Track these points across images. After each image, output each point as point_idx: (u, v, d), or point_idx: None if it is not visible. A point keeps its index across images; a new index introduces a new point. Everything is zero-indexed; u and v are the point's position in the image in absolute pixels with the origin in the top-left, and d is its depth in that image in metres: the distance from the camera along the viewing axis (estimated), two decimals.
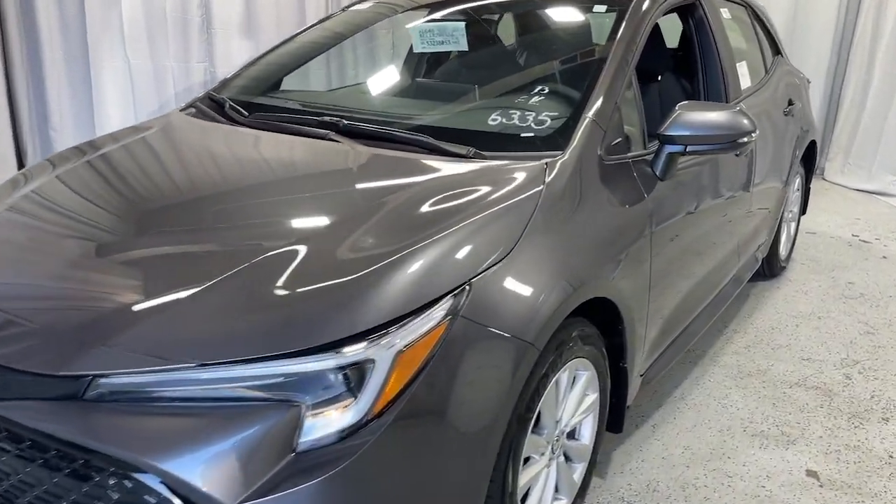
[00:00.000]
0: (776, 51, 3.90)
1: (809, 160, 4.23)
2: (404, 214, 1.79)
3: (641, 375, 2.45)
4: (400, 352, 1.50)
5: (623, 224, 2.12)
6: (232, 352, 1.46)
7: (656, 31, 3.19)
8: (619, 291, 2.08)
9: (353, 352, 1.47)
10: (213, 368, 1.45)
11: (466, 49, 2.73)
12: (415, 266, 1.61)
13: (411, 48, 3.25)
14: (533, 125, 2.19)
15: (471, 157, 2.05)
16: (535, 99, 2.31)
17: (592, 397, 2.14)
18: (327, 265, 1.62)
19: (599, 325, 2.11)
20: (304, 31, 3.20)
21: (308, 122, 2.32)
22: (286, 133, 2.31)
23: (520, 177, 1.96)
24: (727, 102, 3.00)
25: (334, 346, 1.46)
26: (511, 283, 1.72)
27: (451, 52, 3.08)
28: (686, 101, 2.30)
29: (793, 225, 4.27)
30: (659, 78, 3.30)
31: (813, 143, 4.11)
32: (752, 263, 3.59)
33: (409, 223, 1.76)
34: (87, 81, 5.30)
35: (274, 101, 2.69)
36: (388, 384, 1.48)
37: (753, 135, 2.29)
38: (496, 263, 1.71)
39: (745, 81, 3.29)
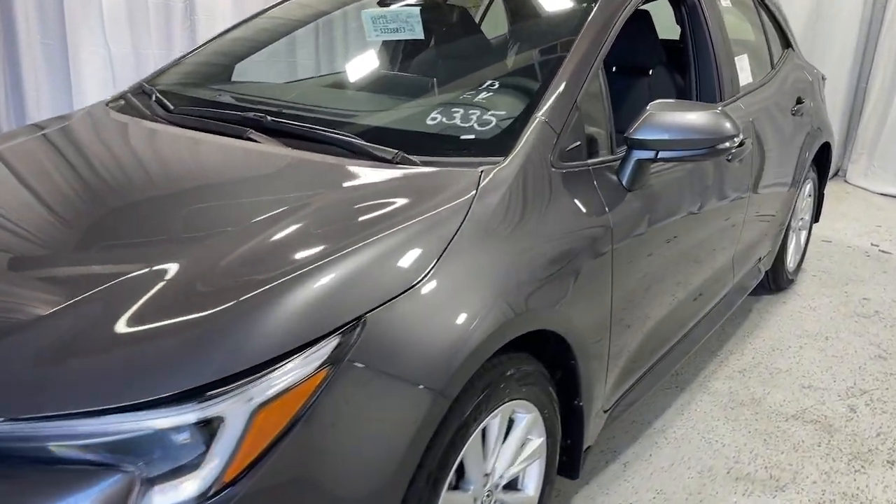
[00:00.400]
0: (786, 43, 3.55)
1: (823, 163, 3.87)
2: (297, 232, 1.51)
3: (606, 411, 2.16)
4: (261, 406, 1.23)
5: (574, 242, 1.82)
6: (48, 404, 1.19)
7: (646, 20, 2.88)
8: (567, 322, 1.79)
9: (195, 407, 1.19)
10: (25, 424, 1.18)
11: (422, 37, 2.44)
12: (293, 297, 1.33)
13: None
14: (476, 126, 1.89)
15: (397, 162, 1.77)
16: (483, 96, 2.01)
17: (537, 442, 1.84)
18: (183, 296, 1.34)
19: (551, 356, 1.83)
20: (259, 14, 2.93)
21: (232, 119, 2.05)
22: (205, 131, 2.04)
23: (448, 186, 1.67)
24: (721, 100, 2.69)
25: (174, 399, 1.19)
26: (420, 318, 1.44)
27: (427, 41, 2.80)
28: (658, 100, 1.99)
29: (803, 234, 3.92)
30: (650, 72, 2.99)
31: (826, 144, 3.75)
32: (752, 277, 3.26)
33: (300, 243, 1.47)
34: (65, 69, 5.10)
35: (207, 94, 2.43)
36: (244, 446, 1.21)
37: (736, 139, 1.98)
38: (403, 292, 1.43)
39: (746, 77, 2.96)
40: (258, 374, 1.23)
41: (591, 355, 1.91)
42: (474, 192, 1.66)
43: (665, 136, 1.94)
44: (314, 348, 1.29)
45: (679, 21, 2.75)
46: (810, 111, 3.48)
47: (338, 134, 1.87)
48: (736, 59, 2.88)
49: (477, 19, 3.23)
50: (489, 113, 1.91)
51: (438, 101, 2.10)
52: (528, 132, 1.81)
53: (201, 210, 1.65)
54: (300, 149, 1.87)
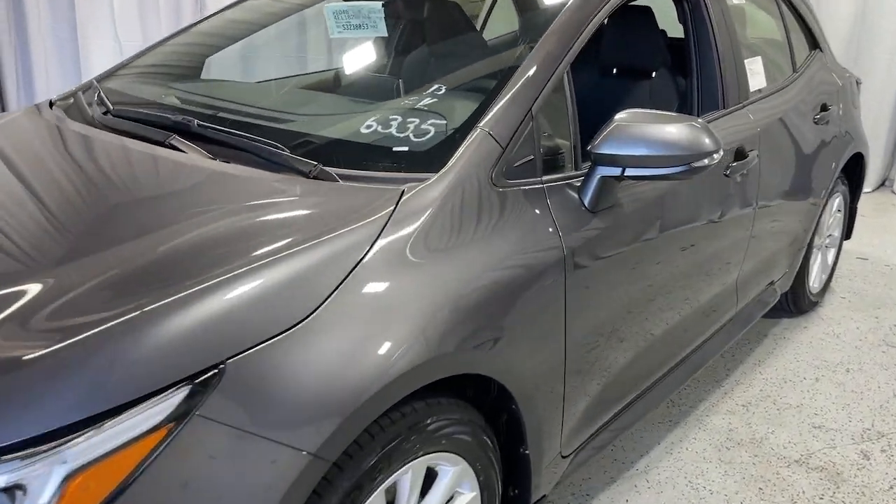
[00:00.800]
0: (813, 44, 3.23)
1: (856, 175, 3.53)
2: (165, 259, 1.31)
3: (566, 456, 1.92)
4: (77, 471, 1.04)
5: (517, 272, 1.59)
6: None
7: (648, 17, 2.62)
8: (505, 365, 1.56)
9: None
10: None
11: (386, 35, 2.23)
12: (135, 340, 1.14)
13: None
14: (411, 136, 1.68)
15: (314, 176, 1.57)
16: (427, 102, 1.79)
17: (469, 496, 1.63)
18: (12, 334, 1.15)
19: (493, 397, 1.62)
20: (231, 6, 2.76)
21: (161, 124, 1.87)
22: (133, 136, 1.86)
23: (361, 205, 1.47)
24: (725, 107, 2.42)
25: None
26: (300, 365, 1.23)
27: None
28: (628, 111, 1.75)
29: (831, 252, 3.59)
30: (652, 75, 2.73)
31: (859, 155, 3.42)
32: (765, 300, 2.97)
33: (164, 273, 1.27)
34: (75, 57, 5.07)
35: (154, 94, 2.26)
36: None
37: (716, 156, 1.73)
38: (281, 333, 1.23)
39: (759, 81, 2.68)
40: (77, 433, 1.05)
41: (539, 400, 1.69)
42: (390, 212, 1.45)
43: (633, 151, 1.70)
44: (154, 401, 1.10)
45: (681, 19, 2.48)
46: (838, 119, 3.16)
47: (258, 142, 1.67)
48: (747, 61, 2.61)
49: (479, 23, 3.01)
50: (429, 122, 1.70)
51: (380, 107, 1.89)
52: (466, 146, 1.59)
53: (78, 229, 1.46)
54: (222, 157, 1.68)
